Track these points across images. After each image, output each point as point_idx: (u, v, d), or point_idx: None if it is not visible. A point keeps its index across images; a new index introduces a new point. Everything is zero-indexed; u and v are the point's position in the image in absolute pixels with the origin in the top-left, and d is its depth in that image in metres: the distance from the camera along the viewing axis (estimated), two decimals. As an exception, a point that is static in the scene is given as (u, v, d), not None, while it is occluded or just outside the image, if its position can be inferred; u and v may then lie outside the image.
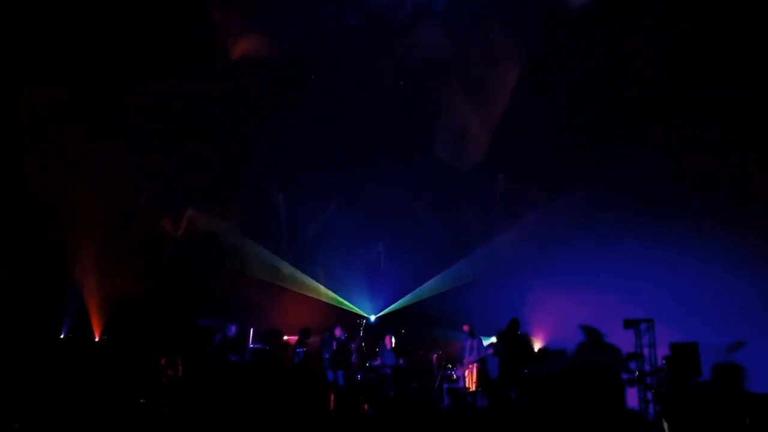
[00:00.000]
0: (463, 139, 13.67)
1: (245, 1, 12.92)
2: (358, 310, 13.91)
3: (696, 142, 11.50)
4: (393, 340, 12.27)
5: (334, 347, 11.58)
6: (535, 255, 12.76)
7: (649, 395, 10.20)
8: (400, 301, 13.83)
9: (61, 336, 12.88)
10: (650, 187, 11.90)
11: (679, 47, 11.30)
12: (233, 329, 11.49)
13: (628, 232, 11.67)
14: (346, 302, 14.00)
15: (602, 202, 12.21)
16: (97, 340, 13.04)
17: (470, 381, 11.44)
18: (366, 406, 11.50)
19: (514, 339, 11.16)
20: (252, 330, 12.38)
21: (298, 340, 11.69)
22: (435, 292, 13.68)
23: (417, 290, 13.76)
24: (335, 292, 14.05)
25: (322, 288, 14.07)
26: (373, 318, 13.92)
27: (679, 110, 11.66)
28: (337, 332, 11.80)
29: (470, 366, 11.48)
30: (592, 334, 10.93)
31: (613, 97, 12.41)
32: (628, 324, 10.50)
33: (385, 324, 13.52)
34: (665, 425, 9.24)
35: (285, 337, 12.30)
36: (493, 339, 11.75)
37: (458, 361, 11.77)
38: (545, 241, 12.76)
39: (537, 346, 12.14)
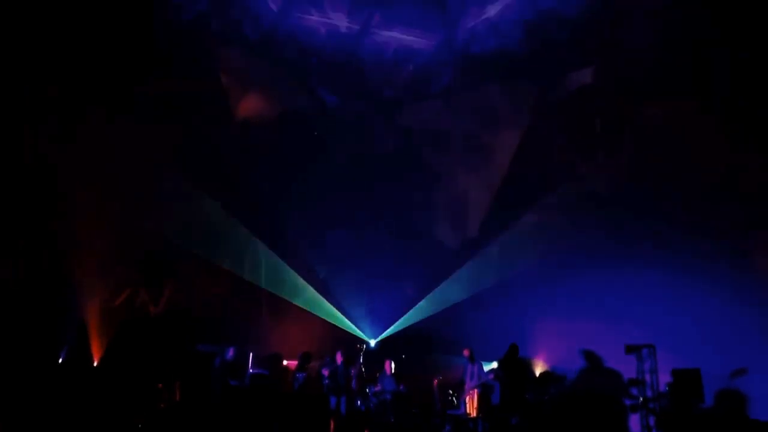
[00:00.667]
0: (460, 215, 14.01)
1: (250, 66, 13.22)
2: (358, 331, 13.86)
3: (698, 167, 11.61)
4: (393, 365, 12.21)
5: (326, 373, 11.46)
6: (536, 279, 12.77)
7: (652, 421, 10.07)
8: (400, 320, 13.79)
9: (60, 360, 12.81)
10: (652, 211, 11.96)
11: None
12: (231, 352, 11.40)
13: (630, 257, 11.71)
14: (347, 320, 13.94)
15: (603, 227, 12.27)
16: (95, 364, 12.98)
17: (471, 407, 11.34)
18: (366, 432, 11.41)
19: (514, 364, 11.08)
20: (251, 354, 12.32)
21: (299, 364, 11.58)
22: (433, 312, 13.66)
23: (418, 305, 13.76)
24: (337, 310, 14.02)
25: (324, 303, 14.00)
26: (373, 343, 13.86)
27: (680, 135, 11.80)
28: (338, 358, 11.73)
29: (471, 392, 11.39)
30: (593, 359, 10.84)
31: (615, 122, 12.58)
32: (630, 349, 10.39)
33: (385, 349, 13.46)
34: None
35: (284, 362, 12.21)
36: (494, 364, 11.66)
37: (460, 387, 11.68)
38: (546, 266, 12.78)
39: (538, 370, 12.05)
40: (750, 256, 11.37)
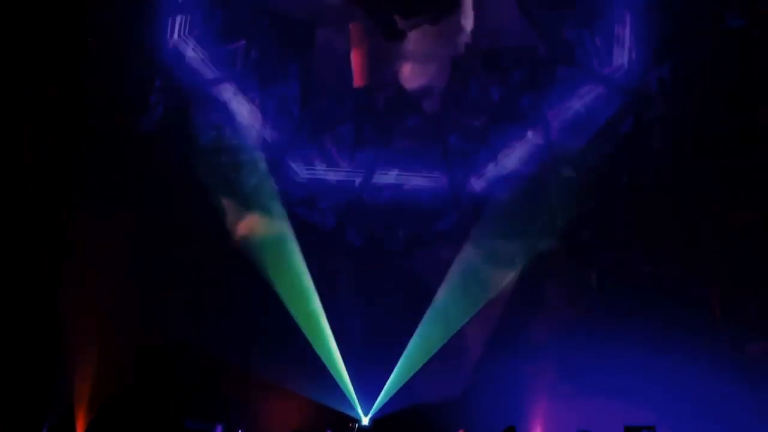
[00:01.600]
0: None
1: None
2: (356, 401, 13.48)
3: (699, 246, 11.76)
4: (386, 446, 11.89)
5: None
6: (535, 357, 12.63)
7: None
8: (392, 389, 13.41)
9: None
10: (653, 289, 12.04)
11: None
12: (219, 430, 11.15)
13: (630, 335, 11.63)
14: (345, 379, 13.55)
15: (604, 306, 12.32)
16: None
17: (466, 491, 10.94)
18: None
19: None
20: (239, 432, 12.02)
21: (289, 444, 11.33)
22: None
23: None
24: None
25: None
26: (366, 420, 13.48)
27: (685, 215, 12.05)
28: (328, 438, 11.46)
29: (466, 475, 11.00)
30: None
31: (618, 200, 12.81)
32: (629, 431, 10.20)
33: (379, 428, 13.10)
34: None
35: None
36: (491, 445, 11.34)
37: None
38: (545, 345, 12.67)
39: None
40: (754, 337, 11.34)
